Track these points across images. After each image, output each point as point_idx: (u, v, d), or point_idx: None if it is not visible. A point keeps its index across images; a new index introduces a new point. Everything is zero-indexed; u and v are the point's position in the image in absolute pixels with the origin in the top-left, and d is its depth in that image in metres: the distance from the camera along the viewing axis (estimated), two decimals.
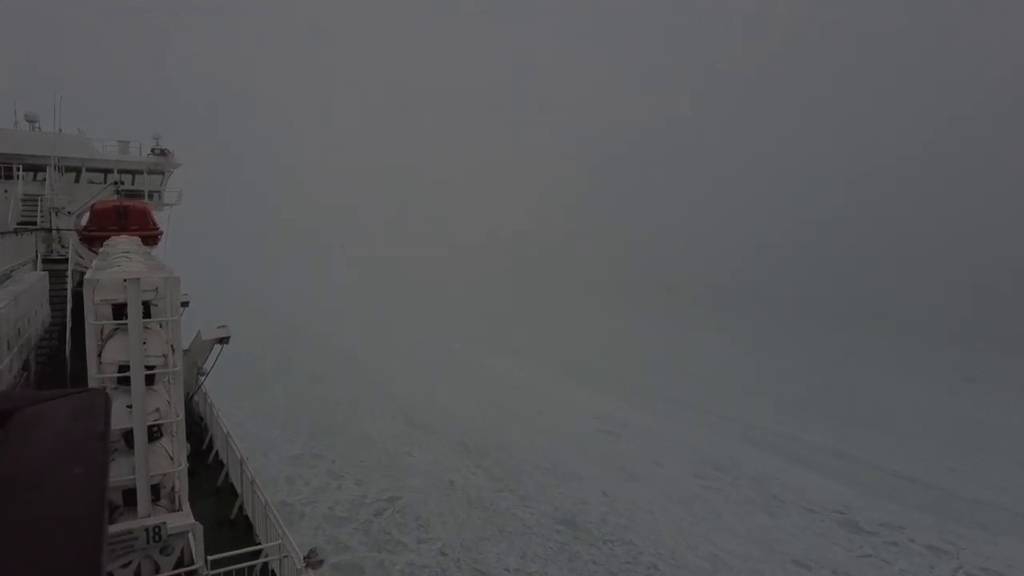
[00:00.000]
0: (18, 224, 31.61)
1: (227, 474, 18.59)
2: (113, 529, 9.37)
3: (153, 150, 39.06)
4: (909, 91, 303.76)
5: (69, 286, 26.85)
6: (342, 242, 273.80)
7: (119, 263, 12.33)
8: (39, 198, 33.02)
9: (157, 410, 10.34)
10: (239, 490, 17.24)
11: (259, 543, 13.99)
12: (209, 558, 10.82)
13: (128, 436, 9.92)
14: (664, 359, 78.09)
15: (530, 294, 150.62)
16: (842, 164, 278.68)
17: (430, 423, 51.34)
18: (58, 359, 23.60)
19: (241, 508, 16.58)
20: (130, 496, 9.96)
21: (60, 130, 36.80)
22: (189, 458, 11.98)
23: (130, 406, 9.84)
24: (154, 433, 10.26)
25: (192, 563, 10.57)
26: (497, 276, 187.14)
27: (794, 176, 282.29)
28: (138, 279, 10.12)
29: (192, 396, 23.66)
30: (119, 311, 10.09)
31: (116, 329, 10.24)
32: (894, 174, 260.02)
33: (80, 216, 35.29)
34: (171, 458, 10.56)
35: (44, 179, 34.51)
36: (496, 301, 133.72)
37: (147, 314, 10.20)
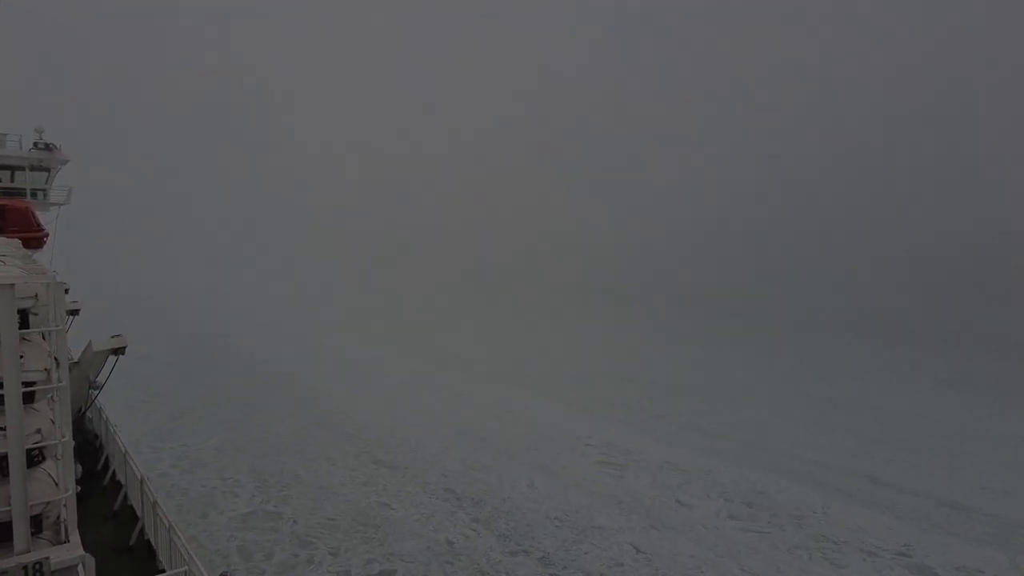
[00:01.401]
0: None
1: (125, 496, 17.17)
2: None
3: (36, 144, 35.09)
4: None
5: None
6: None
7: None
8: None
9: (38, 431, 9.22)
10: (139, 513, 15.81)
11: (163, 570, 12.83)
12: None
13: (1, 462, 8.68)
14: (637, 372, 72.87)
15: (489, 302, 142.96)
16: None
17: (400, 462, 42.98)
18: None
19: (142, 532, 15.23)
20: (6, 530, 8.77)
21: None
22: (80, 481, 12.60)
23: (3, 428, 8.69)
24: (35, 457, 9.19)
25: None
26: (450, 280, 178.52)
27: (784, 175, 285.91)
28: (12, 284, 8.82)
29: (84, 413, 22.03)
30: None
31: None
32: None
33: None
34: (56, 484, 9.40)
35: None
36: (443, 305, 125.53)
37: (25, 324, 9.17)
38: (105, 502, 17.10)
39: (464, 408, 56.38)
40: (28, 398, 9.18)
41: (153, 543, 14.55)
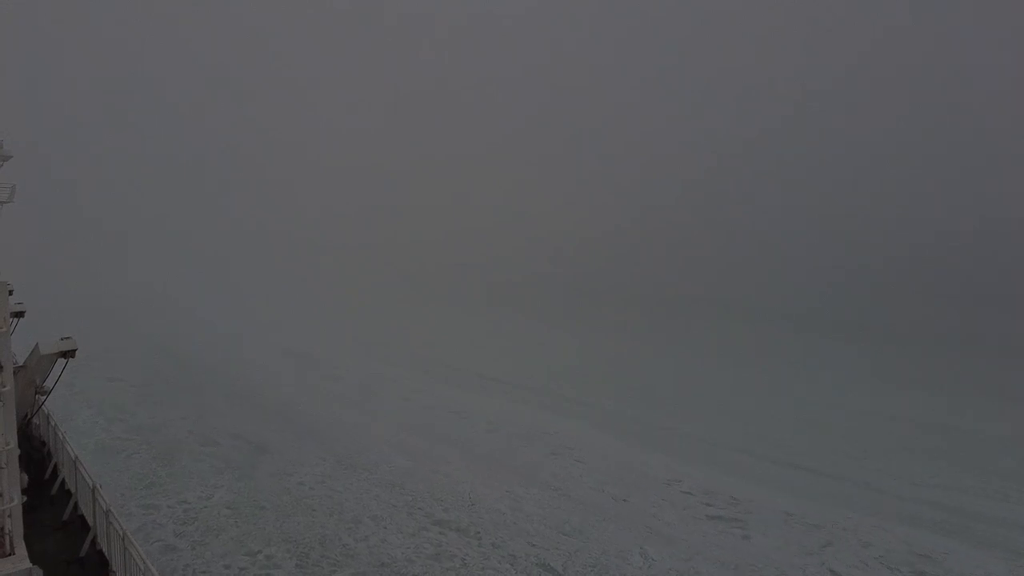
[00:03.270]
0: None
1: (76, 505, 16.56)
2: None
3: None
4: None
5: None
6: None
7: None
8: None
9: None
10: (91, 522, 15.15)
11: None
12: None
13: None
14: (700, 393, 65.37)
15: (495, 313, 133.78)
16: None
17: (466, 523, 34.16)
18: None
19: (94, 542, 14.60)
20: None
21: None
22: (27, 490, 12.21)
23: None
24: None
25: None
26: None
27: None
28: None
29: (30, 419, 21.09)
30: None
31: None
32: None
33: None
34: (0, 494, 9.13)
35: None
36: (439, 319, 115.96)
37: None
38: (54, 512, 16.64)
39: (512, 442, 47.70)
40: None
41: (106, 553, 14.03)
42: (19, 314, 22.02)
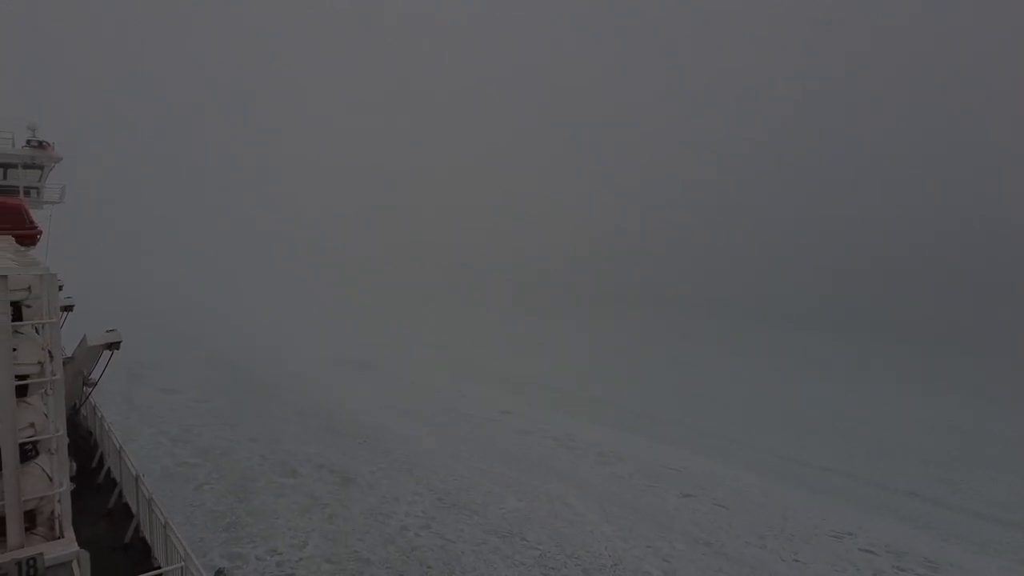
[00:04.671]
0: None
1: (120, 493, 16.85)
2: None
3: (29, 142, 35.11)
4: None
5: None
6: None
7: None
8: None
9: (32, 425, 9.01)
10: (135, 510, 15.48)
11: (158, 567, 12.68)
12: None
13: None
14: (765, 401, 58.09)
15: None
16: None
17: None
18: None
19: (137, 530, 14.97)
20: None
21: None
22: (75, 478, 12.33)
23: None
24: (29, 452, 8.91)
25: None
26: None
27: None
28: (4, 276, 8.56)
29: (78, 409, 22.03)
30: None
31: None
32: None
33: None
34: (50, 479, 9.21)
35: None
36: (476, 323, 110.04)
37: (18, 316, 8.92)
38: (100, 499, 16.88)
39: (634, 479, 41.22)
40: (21, 391, 8.84)
41: (148, 540, 14.34)
42: (68, 308, 22.24)
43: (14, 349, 8.78)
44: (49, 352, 9.44)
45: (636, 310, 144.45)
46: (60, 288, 13.45)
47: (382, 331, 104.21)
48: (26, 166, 35.41)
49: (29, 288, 9.17)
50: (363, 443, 46.83)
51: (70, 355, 20.28)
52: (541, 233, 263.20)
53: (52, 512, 9.47)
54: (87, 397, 22.18)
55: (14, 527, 8.72)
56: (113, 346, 20.57)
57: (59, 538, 9.26)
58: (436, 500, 36.80)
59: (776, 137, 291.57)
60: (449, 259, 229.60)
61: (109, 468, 18.87)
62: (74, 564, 9.20)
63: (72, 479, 10.38)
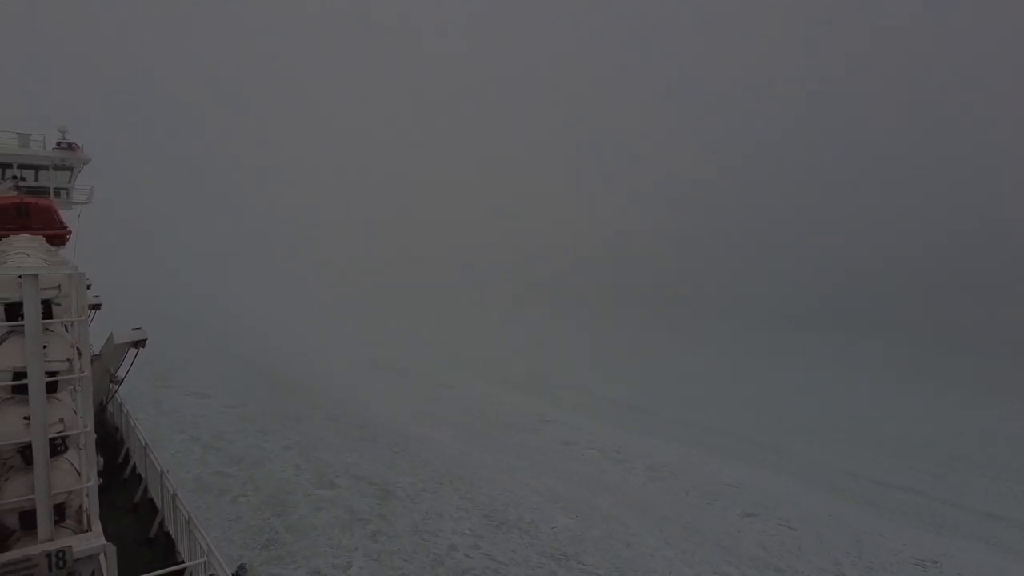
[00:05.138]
0: None
1: (146, 488, 17.06)
2: (8, 556, 8.16)
3: (59, 144, 35.19)
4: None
5: None
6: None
7: (14, 259, 10.97)
8: None
9: (61, 421, 9.04)
10: (159, 505, 15.77)
11: (182, 561, 12.76)
12: None
13: (25, 451, 8.60)
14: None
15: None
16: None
17: None
18: None
19: (162, 524, 15.16)
20: (29, 518, 8.70)
21: None
22: (102, 473, 12.45)
23: (27, 417, 8.53)
24: (58, 446, 9.00)
25: None
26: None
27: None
28: (35, 275, 8.68)
29: (105, 406, 22.12)
30: (14, 311, 8.73)
31: (11, 331, 8.86)
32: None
33: None
34: (78, 473, 9.28)
35: None
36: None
37: (48, 314, 8.98)
38: (126, 494, 17.07)
39: (690, 496, 38.77)
40: (51, 388, 8.89)
41: (173, 535, 14.44)
42: (96, 306, 22.45)
43: (44, 346, 8.81)
44: (78, 349, 9.45)
45: (664, 312, 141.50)
46: (88, 287, 13.51)
47: (402, 333, 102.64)
48: (56, 168, 35.97)
49: (59, 287, 9.19)
50: (400, 452, 44.97)
51: (98, 352, 20.41)
52: (544, 234, 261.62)
53: (80, 506, 9.53)
54: (113, 394, 22.32)
55: (44, 520, 8.78)
56: (139, 344, 20.67)
57: (87, 531, 9.33)
58: (483, 517, 34.75)
59: (785, 137, 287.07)
60: (461, 260, 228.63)
61: (135, 464, 19.10)
62: (101, 557, 9.26)
63: (99, 474, 10.37)
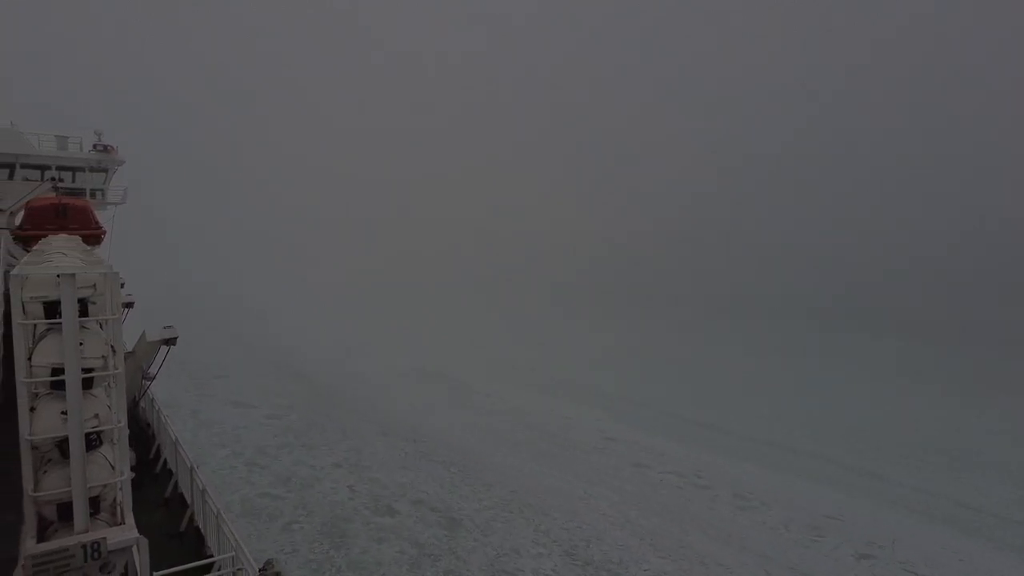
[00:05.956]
0: None
1: (176, 483, 17.47)
2: (46, 547, 8.44)
3: (95, 146, 37.26)
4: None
5: (0, 289, 21.82)
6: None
7: (52, 259, 11.29)
8: None
9: (96, 416, 9.26)
10: (189, 500, 16.07)
11: (211, 555, 13.22)
12: (156, 574, 10.13)
13: (62, 445, 8.86)
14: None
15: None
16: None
17: None
18: None
19: (192, 519, 15.47)
20: (66, 510, 8.94)
21: None
22: (134, 468, 11.88)
23: (64, 412, 8.80)
24: (93, 441, 9.18)
25: None
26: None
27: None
28: (73, 274, 8.96)
29: (137, 401, 22.72)
30: (52, 309, 8.98)
31: (49, 329, 9.10)
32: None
33: (14, 215, 33.59)
34: (112, 467, 9.48)
35: None
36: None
37: (84, 312, 9.13)
38: (157, 489, 17.40)
39: (790, 531, 34.67)
40: (87, 384, 9.10)
41: (202, 529, 14.73)
42: (129, 304, 22.79)
43: (81, 343, 8.97)
44: (112, 347, 9.62)
45: (685, 312, 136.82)
46: (122, 285, 13.52)
47: (431, 336, 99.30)
48: (92, 170, 37.58)
49: (94, 286, 9.39)
50: (457, 472, 41.46)
51: (131, 350, 20.83)
52: (549, 234, 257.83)
53: (114, 499, 9.70)
54: (146, 390, 22.77)
55: (80, 512, 8.93)
56: (170, 342, 20.95)
57: (120, 524, 9.48)
58: (564, 554, 31.05)
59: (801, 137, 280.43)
60: (465, 259, 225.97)
61: (166, 459, 19.30)
62: (134, 549, 9.42)
63: (132, 469, 10.53)
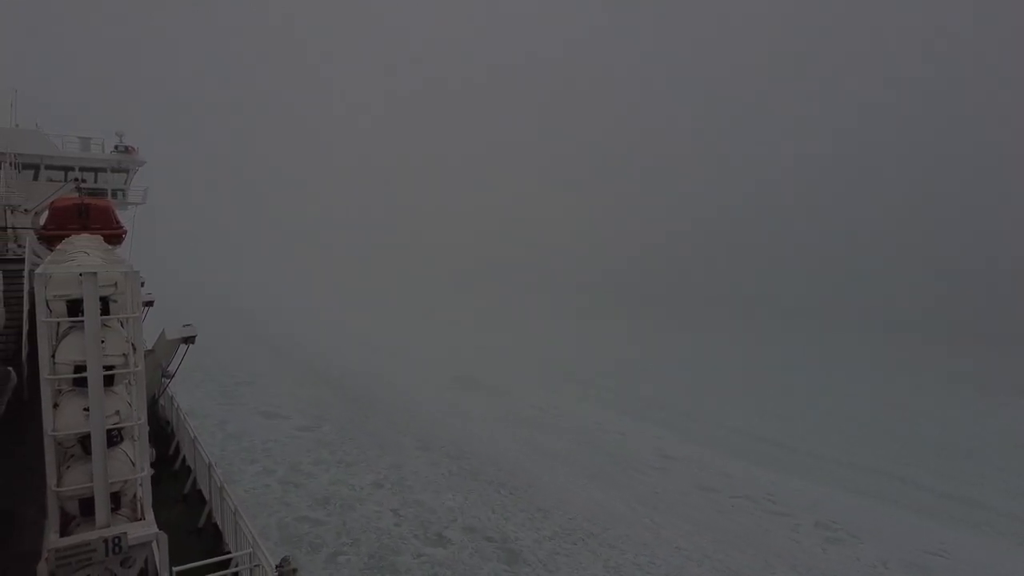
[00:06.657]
0: None
1: (195, 480, 17.72)
2: (69, 541, 8.48)
3: (117, 147, 37.90)
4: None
5: (25, 287, 23.12)
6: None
7: (75, 258, 11.30)
8: None
9: (117, 413, 9.23)
10: (207, 496, 16.36)
11: (229, 552, 13.37)
12: (175, 569, 10.32)
13: (85, 441, 8.91)
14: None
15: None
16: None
17: None
18: (15, 363, 19.43)
19: (210, 515, 15.71)
20: (87, 505, 8.98)
21: (17, 125, 36.55)
22: (154, 464, 11.97)
23: (87, 409, 8.85)
24: (114, 437, 9.18)
25: (156, 575, 9.62)
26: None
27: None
28: (95, 273, 8.99)
29: (157, 399, 23.24)
30: (74, 308, 9.00)
31: (71, 327, 9.16)
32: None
33: (39, 215, 34.15)
34: (133, 464, 9.45)
35: None
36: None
37: (105, 311, 9.19)
38: (176, 485, 17.69)
39: (889, 568, 30.90)
40: (108, 381, 9.15)
41: (220, 526, 14.89)
42: (149, 303, 22.81)
43: (102, 341, 8.96)
44: (132, 345, 9.55)
45: (728, 315, 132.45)
46: (142, 284, 13.38)
47: (473, 338, 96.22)
48: (114, 170, 38.11)
49: (115, 284, 9.36)
50: (509, 494, 38.16)
51: (150, 348, 21.04)
52: (553, 233, 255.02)
53: (134, 495, 9.61)
54: (165, 388, 23.09)
55: (102, 507, 8.93)
56: (189, 340, 21.00)
57: (140, 519, 9.41)
58: None
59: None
60: (470, 259, 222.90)
61: (184, 456, 19.43)
62: (153, 544, 9.39)
63: (152, 465, 10.43)
